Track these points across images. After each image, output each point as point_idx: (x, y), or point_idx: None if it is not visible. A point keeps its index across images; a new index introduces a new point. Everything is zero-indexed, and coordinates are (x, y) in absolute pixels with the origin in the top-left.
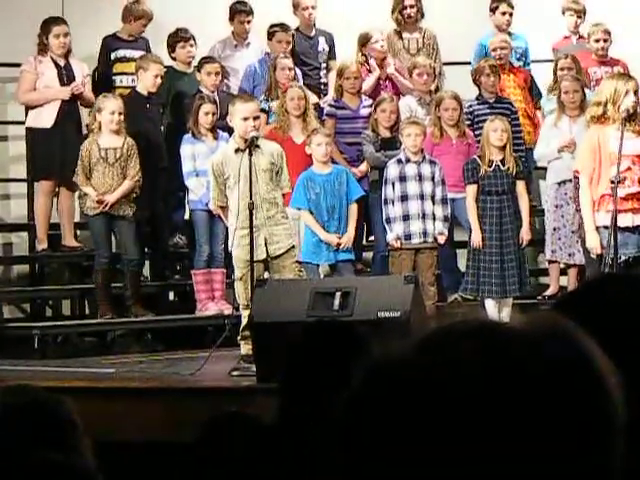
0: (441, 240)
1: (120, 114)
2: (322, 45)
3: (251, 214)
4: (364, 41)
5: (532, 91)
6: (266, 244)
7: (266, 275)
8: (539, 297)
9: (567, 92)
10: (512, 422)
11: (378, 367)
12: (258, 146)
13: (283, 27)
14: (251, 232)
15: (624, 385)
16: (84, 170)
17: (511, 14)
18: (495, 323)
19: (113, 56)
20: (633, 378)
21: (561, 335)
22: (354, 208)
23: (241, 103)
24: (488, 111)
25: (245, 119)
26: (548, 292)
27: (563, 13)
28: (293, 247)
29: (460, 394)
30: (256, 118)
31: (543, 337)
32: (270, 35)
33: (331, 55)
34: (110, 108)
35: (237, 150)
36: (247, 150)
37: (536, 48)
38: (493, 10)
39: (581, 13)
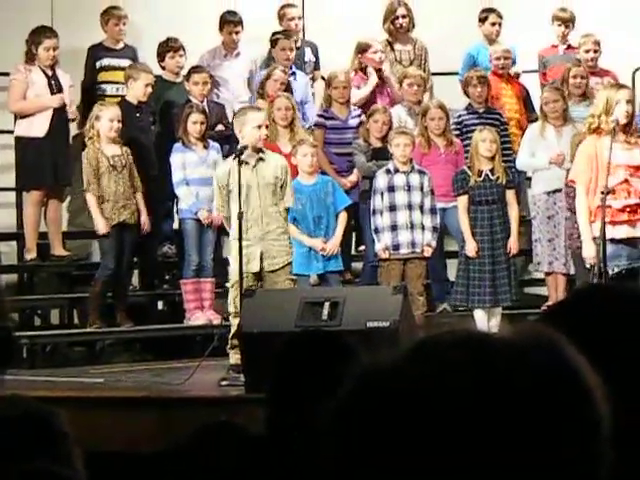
0: (427, 253)
1: (119, 121)
2: (308, 56)
3: (240, 224)
4: (362, 50)
5: (526, 103)
6: (262, 258)
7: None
8: (543, 308)
9: (547, 102)
10: (500, 432)
11: (367, 377)
12: (262, 158)
13: (285, 34)
14: (240, 242)
15: (612, 396)
16: (94, 180)
17: (500, 24)
18: (483, 334)
19: (98, 65)
20: (620, 389)
21: (546, 346)
22: (342, 216)
23: (253, 112)
24: (477, 121)
25: (258, 127)
26: (549, 304)
27: (552, 22)
28: (289, 264)
29: (448, 405)
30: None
31: (529, 348)
32: (273, 43)
33: (316, 66)
34: (108, 116)
35: (242, 161)
36: (251, 162)
37: (524, 59)
38: (482, 20)
39: (569, 22)
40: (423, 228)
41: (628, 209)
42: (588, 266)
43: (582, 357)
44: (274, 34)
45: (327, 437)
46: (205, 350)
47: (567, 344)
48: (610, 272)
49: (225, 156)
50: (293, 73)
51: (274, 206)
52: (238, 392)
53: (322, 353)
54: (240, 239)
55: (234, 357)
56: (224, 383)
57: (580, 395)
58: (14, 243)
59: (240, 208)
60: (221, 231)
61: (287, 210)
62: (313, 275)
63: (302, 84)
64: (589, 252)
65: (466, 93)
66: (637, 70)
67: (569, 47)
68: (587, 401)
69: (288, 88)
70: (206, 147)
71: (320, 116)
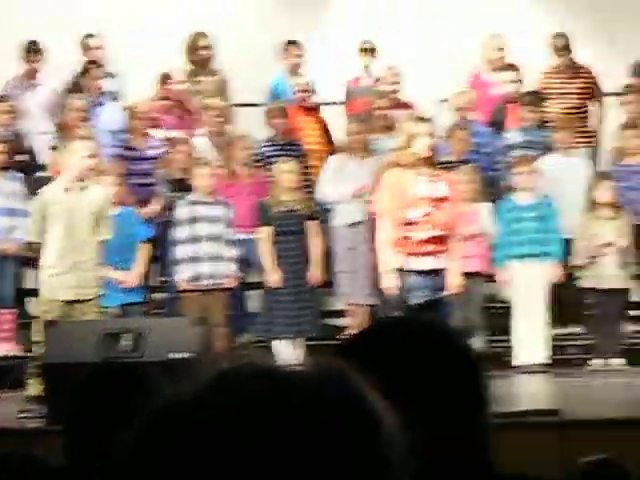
0: (229, 284)
1: None
2: (109, 86)
3: (46, 253)
4: (164, 80)
5: (327, 134)
6: (73, 287)
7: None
8: (341, 338)
9: (350, 134)
10: (295, 466)
11: (167, 407)
12: (85, 187)
13: (96, 63)
14: (48, 271)
15: (418, 427)
16: None
17: (302, 56)
18: (280, 366)
19: None
20: (425, 420)
21: (338, 379)
22: (144, 247)
23: (81, 141)
24: (278, 152)
25: (88, 157)
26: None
27: (358, 54)
28: (99, 296)
29: (246, 437)
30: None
31: (324, 381)
32: (84, 72)
33: (118, 96)
34: None
35: (65, 189)
36: (75, 190)
37: (329, 91)
38: (284, 52)
39: (373, 54)
40: (224, 259)
41: (431, 241)
42: (389, 298)
43: (373, 390)
44: (87, 63)
45: (126, 468)
46: (4, 382)
47: (357, 377)
48: (412, 303)
49: (32, 187)
50: (100, 103)
51: (91, 236)
52: (38, 424)
53: (121, 384)
54: (48, 268)
55: (35, 388)
56: (23, 415)
57: (368, 428)
58: None
59: (58, 236)
60: (23, 261)
61: (103, 242)
62: (114, 306)
63: (111, 113)
64: (388, 283)
65: (268, 124)
66: (441, 101)
67: (375, 80)
68: (375, 434)
69: (88, 118)
70: (6, 177)
71: (119, 147)
